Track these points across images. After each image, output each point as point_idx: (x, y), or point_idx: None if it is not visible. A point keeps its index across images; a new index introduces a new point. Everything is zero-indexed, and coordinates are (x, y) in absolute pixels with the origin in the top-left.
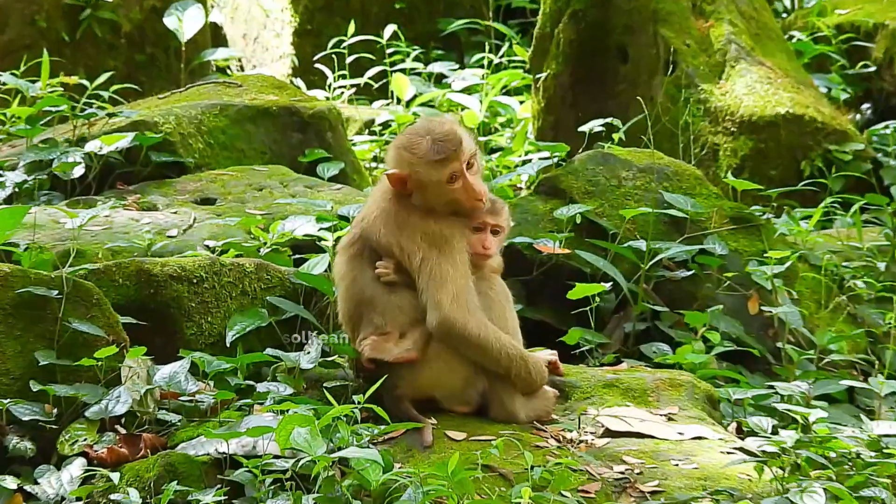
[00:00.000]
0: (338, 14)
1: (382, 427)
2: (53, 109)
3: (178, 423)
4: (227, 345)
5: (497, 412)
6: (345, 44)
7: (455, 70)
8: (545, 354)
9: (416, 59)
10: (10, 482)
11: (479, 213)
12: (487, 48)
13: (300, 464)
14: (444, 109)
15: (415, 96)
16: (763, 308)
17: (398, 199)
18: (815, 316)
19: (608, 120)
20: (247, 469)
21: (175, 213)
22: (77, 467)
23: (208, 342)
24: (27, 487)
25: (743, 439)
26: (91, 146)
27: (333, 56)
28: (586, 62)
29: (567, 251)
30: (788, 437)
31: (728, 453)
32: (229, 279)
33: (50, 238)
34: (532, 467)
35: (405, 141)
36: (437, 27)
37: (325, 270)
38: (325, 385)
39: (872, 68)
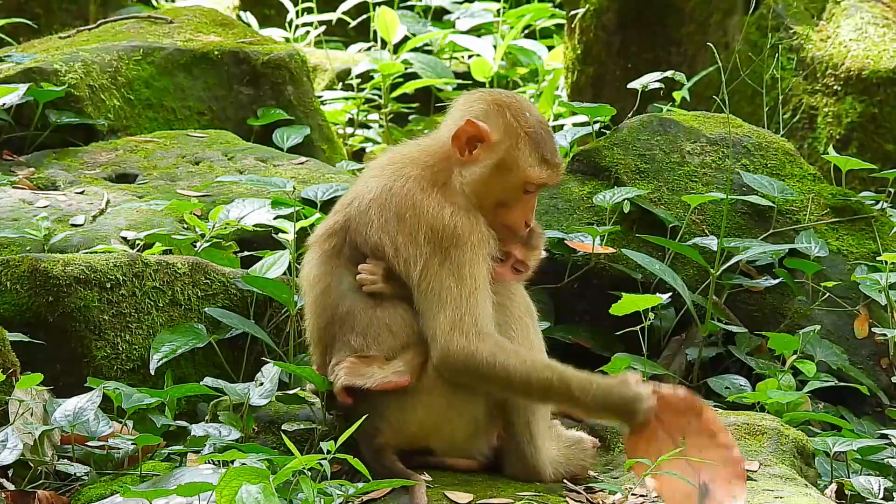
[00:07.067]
0: None
1: (360, 485)
2: None
3: (85, 477)
4: (152, 372)
5: (514, 467)
6: None
7: (460, 3)
8: None
9: None
10: None
11: (511, 238)
12: None
13: None
14: (444, 56)
15: (405, 38)
16: (875, 330)
17: (420, 172)
18: None
19: (668, 73)
20: None
21: (81, 193)
22: None
23: (126, 368)
24: None
25: None
26: None
27: None
28: None
29: (611, 250)
30: None
31: None
32: (154, 284)
33: None
34: None
35: (509, 101)
36: None
37: (285, 273)
38: (283, 428)
39: None
